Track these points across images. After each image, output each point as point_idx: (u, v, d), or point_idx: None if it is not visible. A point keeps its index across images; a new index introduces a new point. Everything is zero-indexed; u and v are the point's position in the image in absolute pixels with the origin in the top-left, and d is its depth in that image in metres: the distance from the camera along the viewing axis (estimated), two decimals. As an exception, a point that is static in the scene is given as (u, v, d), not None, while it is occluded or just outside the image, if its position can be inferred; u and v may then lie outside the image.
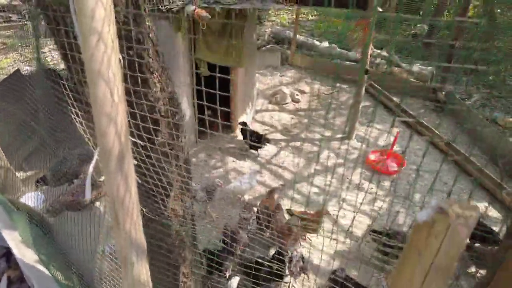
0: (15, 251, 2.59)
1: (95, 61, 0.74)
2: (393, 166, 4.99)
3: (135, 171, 0.91)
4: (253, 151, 5.07)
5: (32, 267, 2.57)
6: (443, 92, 6.66)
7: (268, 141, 5.05)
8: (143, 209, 1.54)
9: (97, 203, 3.15)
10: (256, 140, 4.85)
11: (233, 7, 4.27)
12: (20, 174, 4.76)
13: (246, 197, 4.28)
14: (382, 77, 6.91)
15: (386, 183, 4.72)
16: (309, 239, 3.74)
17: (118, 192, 0.83)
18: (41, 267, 2.62)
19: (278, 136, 5.59)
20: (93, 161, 1.03)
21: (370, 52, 5.07)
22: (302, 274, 3.01)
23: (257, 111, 6.23)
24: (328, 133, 5.73)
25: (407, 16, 8.20)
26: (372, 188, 4.56)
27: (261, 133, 5.15)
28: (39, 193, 4.41)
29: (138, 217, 0.90)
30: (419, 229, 0.63)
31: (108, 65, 0.76)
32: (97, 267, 2.41)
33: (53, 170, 2.78)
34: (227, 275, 3.00)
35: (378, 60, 7.51)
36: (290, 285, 3.23)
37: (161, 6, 4.09)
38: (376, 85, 6.76)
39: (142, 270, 0.96)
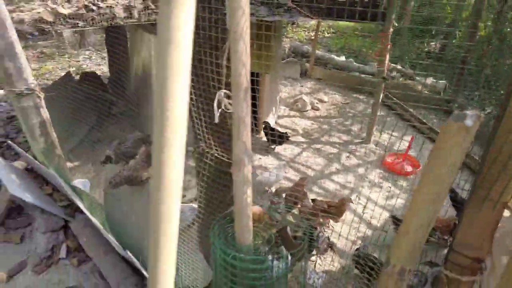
0: (87, 213, 3.01)
1: (239, 27, 1.19)
2: (408, 168, 5.34)
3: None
4: (275, 146, 5.52)
5: (101, 229, 2.98)
6: (456, 105, 7.03)
7: (288, 136, 5.52)
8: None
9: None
10: (278, 134, 5.34)
11: (265, 19, 4.79)
12: (68, 164, 5.25)
13: (273, 189, 4.67)
14: (398, 88, 7.32)
15: (402, 183, 5.06)
16: (332, 226, 4.09)
17: (242, 113, 1.26)
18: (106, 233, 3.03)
19: (300, 138, 6.01)
20: (216, 100, 1.44)
21: (387, 65, 5.51)
22: (329, 250, 3.36)
23: (279, 117, 6.69)
24: (346, 138, 6.13)
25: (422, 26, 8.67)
26: (389, 187, 4.90)
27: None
28: (86, 180, 4.87)
29: (250, 134, 1.32)
30: (460, 130, 1.03)
31: (246, 30, 1.20)
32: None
33: (115, 150, 3.24)
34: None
35: (393, 73, 7.95)
36: (316, 263, 3.57)
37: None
38: (391, 96, 7.17)
39: (249, 172, 1.37)
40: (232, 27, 1.19)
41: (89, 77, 6.17)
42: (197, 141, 2.23)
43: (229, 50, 1.26)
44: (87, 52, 11.50)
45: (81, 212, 3.90)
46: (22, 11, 4.46)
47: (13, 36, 3.80)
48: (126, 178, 3.06)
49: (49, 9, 4.31)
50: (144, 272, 3.05)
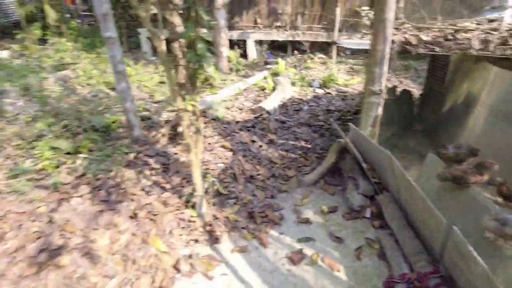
0: (415, 185, 3.80)
1: None
2: None
3: None
4: None
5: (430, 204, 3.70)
6: None
7: None
8: None
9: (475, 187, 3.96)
10: None
11: None
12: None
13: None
14: None
15: None
16: None
17: None
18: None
19: None
20: None
21: None
22: None
23: None
24: None
25: None
26: None
27: None
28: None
29: None
30: None
31: None
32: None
33: (453, 149, 3.87)
34: None
35: None
36: None
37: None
38: None
39: None
40: None
41: (405, 93, 7.20)
42: None
43: None
44: (388, 74, 12.98)
45: (387, 190, 4.86)
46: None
47: (388, 51, 5.12)
48: (454, 176, 3.63)
49: (414, 35, 5.48)
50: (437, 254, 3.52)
